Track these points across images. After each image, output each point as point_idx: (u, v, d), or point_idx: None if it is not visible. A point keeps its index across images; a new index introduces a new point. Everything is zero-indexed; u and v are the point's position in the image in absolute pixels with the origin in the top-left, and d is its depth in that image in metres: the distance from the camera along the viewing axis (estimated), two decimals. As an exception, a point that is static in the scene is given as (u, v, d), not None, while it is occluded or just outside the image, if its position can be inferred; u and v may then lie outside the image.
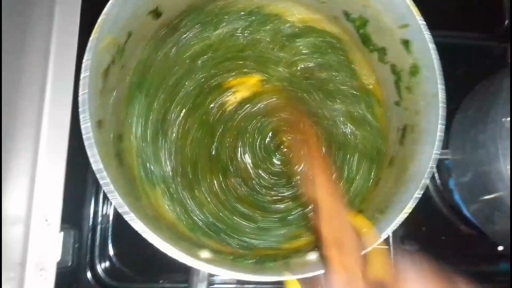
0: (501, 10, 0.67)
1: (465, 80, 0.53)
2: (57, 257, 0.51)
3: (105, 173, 0.39)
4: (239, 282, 0.57)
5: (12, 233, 0.49)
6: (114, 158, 0.47)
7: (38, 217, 0.51)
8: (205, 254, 0.47)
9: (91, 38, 0.42)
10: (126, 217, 0.39)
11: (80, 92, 0.40)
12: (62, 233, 0.52)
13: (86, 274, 0.56)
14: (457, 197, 0.56)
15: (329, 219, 0.38)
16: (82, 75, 0.40)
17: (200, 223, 0.52)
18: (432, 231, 0.58)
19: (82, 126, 0.39)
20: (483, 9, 0.66)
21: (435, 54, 0.43)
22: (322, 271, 0.41)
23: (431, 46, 0.43)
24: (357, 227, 0.37)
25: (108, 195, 0.39)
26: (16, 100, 0.51)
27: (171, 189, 0.52)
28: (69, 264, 0.53)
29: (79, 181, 0.57)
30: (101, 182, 0.39)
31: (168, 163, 0.53)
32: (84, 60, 0.41)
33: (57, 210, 0.51)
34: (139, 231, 0.39)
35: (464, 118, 0.53)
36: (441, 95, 0.42)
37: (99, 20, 0.42)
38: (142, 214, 0.45)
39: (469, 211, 0.54)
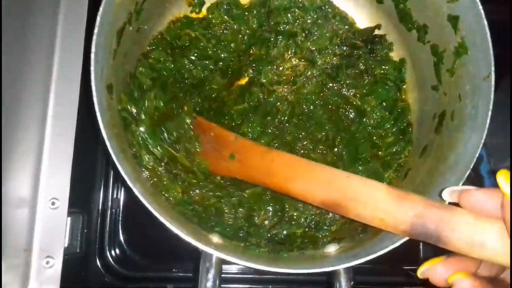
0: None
1: (505, 59, 0.48)
2: (65, 243, 0.48)
3: (109, 144, 0.35)
4: (252, 272, 0.53)
5: (17, 217, 0.46)
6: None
7: (44, 200, 0.48)
8: (215, 238, 0.43)
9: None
10: (135, 190, 0.35)
11: (93, 49, 0.36)
12: (69, 217, 0.49)
13: (95, 262, 0.52)
14: (489, 185, 0.52)
15: None
16: (96, 30, 0.36)
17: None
18: None
19: (93, 87, 0.35)
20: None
21: (488, 32, 0.38)
22: (340, 267, 0.37)
23: (485, 22, 0.38)
24: None
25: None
26: (22, 77, 0.48)
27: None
28: (77, 250, 0.50)
29: (88, 163, 0.54)
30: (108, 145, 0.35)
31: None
32: (98, 14, 0.37)
33: (65, 193, 0.48)
34: (148, 206, 0.35)
35: (506, 99, 0.48)
36: (493, 77, 0.38)
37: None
38: (150, 191, 0.41)
39: None
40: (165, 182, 0.45)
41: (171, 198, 0.45)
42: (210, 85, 0.51)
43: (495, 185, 0.55)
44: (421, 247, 0.56)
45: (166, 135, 0.46)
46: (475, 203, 0.28)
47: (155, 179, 0.44)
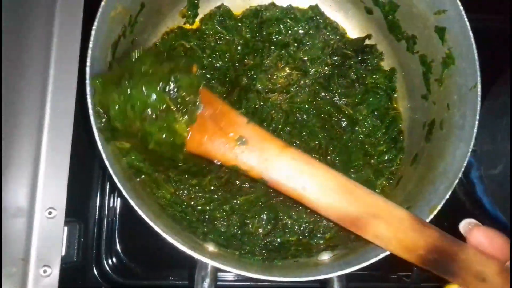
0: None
1: (492, 66, 0.49)
2: (62, 252, 0.48)
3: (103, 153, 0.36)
4: (247, 279, 0.54)
5: (14, 226, 0.46)
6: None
7: (41, 210, 0.48)
8: (211, 247, 0.44)
9: (101, 5, 0.39)
10: (132, 203, 0.35)
11: (88, 62, 0.37)
12: (66, 227, 0.49)
13: (92, 270, 0.53)
14: (479, 190, 0.53)
15: None
16: (90, 44, 0.37)
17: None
18: (455, 226, 0.55)
19: (88, 98, 0.36)
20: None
21: (474, 44, 0.40)
22: (333, 275, 0.37)
23: (471, 34, 0.40)
24: None
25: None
26: (18, 87, 0.48)
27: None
28: (74, 259, 0.50)
29: (84, 172, 0.54)
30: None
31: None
32: (93, 28, 0.38)
33: (62, 203, 0.48)
34: (145, 218, 0.35)
35: (494, 106, 0.49)
36: (479, 87, 0.39)
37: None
38: (147, 203, 0.41)
39: (497, 204, 0.51)
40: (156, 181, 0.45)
41: (162, 199, 0.45)
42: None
43: (485, 191, 0.56)
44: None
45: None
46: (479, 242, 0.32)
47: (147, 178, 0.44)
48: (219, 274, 0.52)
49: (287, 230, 0.49)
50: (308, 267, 0.42)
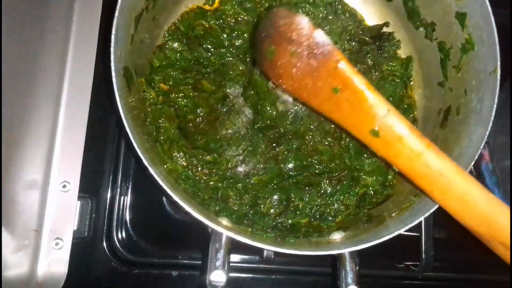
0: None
1: (508, 61, 0.49)
2: (74, 226, 0.49)
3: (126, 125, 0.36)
4: (257, 261, 0.54)
5: (28, 198, 0.47)
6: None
7: (56, 183, 0.49)
8: (225, 221, 0.44)
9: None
10: (152, 172, 0.36)
11: (113, 30, 0.37)
12: (79, 202, 0.50)
13: (102, 246, 0.53)
14: (490, 182, 0.53)
15: None
16: (116, 13, 0.38)
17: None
18: None
19: (112, 64, 0.37)
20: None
21: (495, 28, 0.40)
22: (345, 251, 0.38)
23: (492, 19, 0.40)
24: None
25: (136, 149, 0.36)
26: (37, 58, 0.49)
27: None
28: (85, 235, 0.51)
29: (98, 149, 0.54)
30: (129, 133, 0.36)
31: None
32: (119, -1, 0.38)
33: (76, 177, 0.49)
34: (164, 187, 0.36)
35: (509, 98, 0.49)
36: (499, 71, 0.39)
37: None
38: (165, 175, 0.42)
39: (507, 197, 0.51)
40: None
41: (174, 171, 0.46)
42: (234, 71, 0.52)
43: (495, 183, 0.56)
44: (422, 242, 0.56)
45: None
46: None
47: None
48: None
49: (298, 212, 0.49)
50: (320, 244, 0.43)
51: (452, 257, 0.59)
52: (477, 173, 0.57)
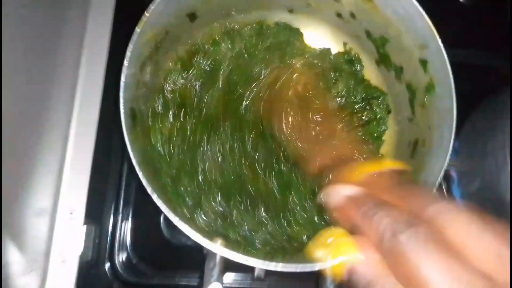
0: (506, 30, 0.71)
1: (473, 95, 0.56)
2: (80, 250, 0.53)
3: (132, 153, 0.42)
4: (252, 280, 0.58)
5: (38, 225, 0.51)
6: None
7: (63, 210, 0.53)
8: (220, 241, 0.48)
9: (136, 31, 0.46)
10: (153, 197, 0.41)
11: (122, 79, 0.43)
12: (85, 226, 0.54)
13: (105, 269, 0.57)
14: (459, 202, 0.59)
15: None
16: (125, 63, 0.44)
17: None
18: None
19: (121, 106, 0.42)
20: (489, 29, 0.70)
21: (451, 73, 0.46)
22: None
23: (448, 66, 0.47)
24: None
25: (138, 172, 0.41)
26: (47, 96, 0.53)
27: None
28: (89, 258, 0.55)
29: (102, 179, 0.59)
30: (134, 162, 0.41)
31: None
32: (128, 50, 0.45)
33: (82, 205, 0.54)
34: (162, 209, 0.41)
35: (473, 130, 0.56)
36: (455, 111, 0.45)
37: (145, 16, 0.46)
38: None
39: None
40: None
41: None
42: None
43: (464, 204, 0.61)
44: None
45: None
46: None
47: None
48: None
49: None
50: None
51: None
52: (450, 196, 0.63)
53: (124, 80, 0.43)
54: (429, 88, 0.50)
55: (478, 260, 0.19)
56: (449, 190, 0.63)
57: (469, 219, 0.21)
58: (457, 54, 0.49)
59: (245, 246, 0.49)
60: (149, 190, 0.41)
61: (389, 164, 0.31)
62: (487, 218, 0.21)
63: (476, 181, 0.54)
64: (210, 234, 0.49)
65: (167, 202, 0.47)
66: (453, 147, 0.44)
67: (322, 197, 0.28)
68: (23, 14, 0.47)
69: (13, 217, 0.47)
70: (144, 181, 0.41)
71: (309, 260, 0.48)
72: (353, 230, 0.25)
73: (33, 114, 0.52)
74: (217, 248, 0.41)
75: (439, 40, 0.48)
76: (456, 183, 0.59)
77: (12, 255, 0.46)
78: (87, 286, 0.54)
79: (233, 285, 0.58)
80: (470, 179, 0.56)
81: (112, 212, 0.59)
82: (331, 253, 0.24)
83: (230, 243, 0.49)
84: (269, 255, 0.48)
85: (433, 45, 0.49)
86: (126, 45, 0.45)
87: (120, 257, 0.58)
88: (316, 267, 0.42)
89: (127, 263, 0.58)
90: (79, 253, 0.53)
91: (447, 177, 0.60)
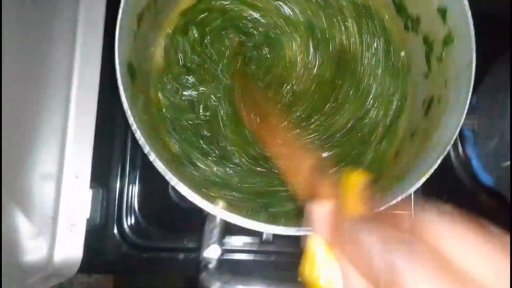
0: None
1: (494, 47, 0.51)
2: (87, 214, 0.53)
3: (132, 118, 0.40)
4: (260, 244, 0.58)
5: (44, 188, 0.51)
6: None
7: (69, 174, 0.53)
8: (221, 203, 0.48)
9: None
10: (150, 158, 0.39)
11: (117, 29, 0.41)
12: (91, 190, 0.54)
13: (114, 232, 0.57)
14: (475, 164, 0.56)
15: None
16: (119, 13, 0.41)
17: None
18: (453, 200, 0.58)
19: (116, 59, 0.40)
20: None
21: (472, 23, 0.42)
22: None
23: (469, 15, 0.42)
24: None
25: (136, 136, 0.40)
26: (46, 58, 0.52)
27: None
28: (97, 222, 0.55)
29: (107, 140, 0.59)
30: (131, 124, 0.40)
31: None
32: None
33: (87, 168, 0.53)
34: (162, 173, 0.39)
35: (492, 84, 0.52)
36: (474, 64, 0.41)
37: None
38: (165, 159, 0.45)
39: (492, 179, 0.54)
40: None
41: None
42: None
43: (481, 165, 0.58)
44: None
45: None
46: None
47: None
48: (228, 239, 0.57)
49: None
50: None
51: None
52: (465, 155, 0.60)
53: (119, 30, 0.41)
54: (447, 40, 0.46)
55: (477, 276, 0.17)
56: (463, 150, 0.60)
57: (463, 231, 0.18)
58: (478, 3, 0.44)
59: (248, 210, 0.49)
60: (145, 150, 0.40)
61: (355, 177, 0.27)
62: (479, 225, 0.19)
63: (494, 140, 0.51)
64: (211, 198, 0.48)
65: (168, 162, 0.46)
66: (470, 103, 0.41)
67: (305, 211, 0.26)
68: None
69: (18, 182, 0.47)
70: (140, 141, 0.40)
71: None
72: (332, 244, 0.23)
73: (34, 78, 0.51)
74: (216, 210, 0.40)
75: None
76: (472, 143, 0.56)
77: (20, 219, 0.46)
78: (95, 249, 0.55)
79: (242, 248, 0.58)
80: (486, 138, 0.53)
81: (118, 175, 0.59)
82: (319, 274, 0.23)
83: (232, 206, 0.48)
84: (272, 218, 0.47)
85: (453, -10, 0.44)
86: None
87: (128, 220, 0.58)
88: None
89: (136, 226, 0.58)
90: (87, 216, 0.54)
91: (461, 137, 0.57)
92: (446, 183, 0.59)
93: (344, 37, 0.56)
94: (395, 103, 0.55)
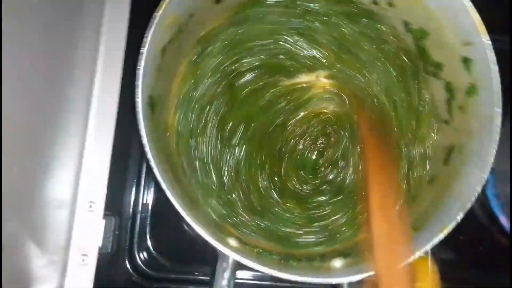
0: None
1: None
2: (99, 243, 0.52)
3: (148, 149, 0.40)
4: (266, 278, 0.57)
5: (57, 217, 0.51)
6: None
7: (83, 203, 0.52)
8: (233, 241, 0.47)
9: (156, 14, 0.43)
10: (167, 193, 0.39)
11: (141, 66, 0.41)
12: (104, 220, 0.53)
13: (124, 262, 0.57)
14: (495, 206, 0.55)
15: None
16: (142, 50, 0.41)
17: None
18: (470, 240, 0.58)
19: (137, 99, 0.40)
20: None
21: (497, 77, 0.42)
22: (345, 280, 0.41)
23: (494, 68, 0.42)
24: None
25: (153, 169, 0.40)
26: (65, 86, 0.52)
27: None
28: (109, 251, 0.55)
29: (121, 170, 0.59)
30: (148, 156, 0.40)
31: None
32: (146, 35, 0.42)
33: (101, 197, 0.53)
34: (177, 209, 0.39)
35: None
36: (498, 119, 0.41)
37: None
38: (180, 195, 0.45)
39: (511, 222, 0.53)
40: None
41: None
42: None
43: (499, 206, 0.57)
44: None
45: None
46: None
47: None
48: (238, 273, 0.56)
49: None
50: (321, 271, 0.46)
51: (460, 278, 0.60)
52: (484, 197, 0.59)
53: (142, 66, 0.41)
54: (471, 90, 0.46)
55: None
56: (483, 191, 0.59)
57: None
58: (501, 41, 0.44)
59: (257, 248, 0.48)
60: (164, 186, 0.40)
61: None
62: None
63: None
64: (222, 231, 0.48)
65: (182, 196, 0.46)
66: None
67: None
68: None
69: (32, 210, 0.47)
70: (158, 176, 0.40)
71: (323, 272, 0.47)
72: None
73: (51, 104, 0.50)
74: (230, 252, 0.40)
75: (485, 37, 0.43)
76: (492, 183, 0.55)
77: (32, 248, 0.46)
78: (106, 279, 0.54)
79: (250, 282, 0.57)
80: (506, 180, 0.51)
81: (131, 203, 0.59)
82: None
83: (243, 242, 0.48)
84: (283, 261, 0.46)
85: (478, 42, 0.44)
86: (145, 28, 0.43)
87: (140, 250, 0.57)
88: (332, 280, 0.40)
89: (147, 257, 0.57)
90: (99, 245, 0.53)
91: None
92: (463, 221, 0.57)
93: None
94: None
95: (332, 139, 0.58)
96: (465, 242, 0.57)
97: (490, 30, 0.42)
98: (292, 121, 0.58)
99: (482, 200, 0.59)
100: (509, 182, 0.54)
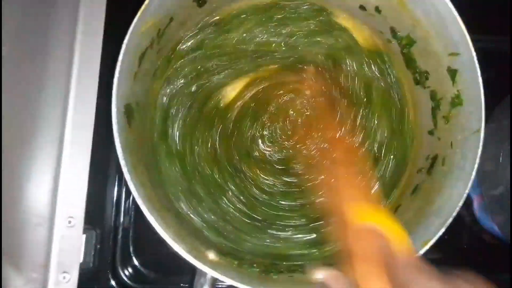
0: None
1: (496, 88, 0.49)
2: (80, 259, 0.50)
3: (124, 161, 0.39)
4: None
5: (35, 234, 0.48)
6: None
7: (61, 218, 0.50)
8: (211, 255, 0.46)
9: (134, 21, 0.41)
10: (142, 209, 0.38)
11: (116, 74, 0.39)
12: (84, 235, 0.51)
13: (107, 276, 0.55)
14: (476, 206, 0.55)
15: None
16: (120, 57, 0.40)
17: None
18: (455, 239, 0.58)
19: (113, 106, 0.39)
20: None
21: (482, 89, 0.41)
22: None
23: (480, 80, 0.41)
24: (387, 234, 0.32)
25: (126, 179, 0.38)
26: (40, 99, 0.50)
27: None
28: (91, 265, 0.53)
29: (101, 182, 0.57)
30: (123, 168, 0.38)
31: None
32: (124, 42, 0.40)
33: (81, 212, 0.50)
34: (155, 227, 0.38)
35: (498, 128, 0.50)
36: (482, 134, 0.41)
37: (145, 3, 0.41)
38: (156, 207, 0.44)
39: (495, 222, 0.53)
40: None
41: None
42: None
43: (484, 208, 0.57)
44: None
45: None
46: None
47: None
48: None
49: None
50: (302, 284, 0.45)
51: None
52: (468, 199, 0.59)
53: (118, 76, 0.39)
54: (456, 102, 0.45)
55: None
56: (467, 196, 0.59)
57: None
58: (482, 41, 0.44)
59: (238, 260, 0.47)
60: (139, 201, 0.38)
61: (390, 227, 0.30)
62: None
63: (500, 186, 0.49)
64: (202, 243, 0.47)
65: (160, 210, 0.45)
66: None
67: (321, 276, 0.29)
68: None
69: (7, 229, 0.45)
70: (131, 186, 0.38)
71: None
72: None
73: (27, 117, 0.49)
74: (207, 269, 0.38)
75: (472, 49, 0.42)
76: (475, 184, 0.54)
77: (9, 268, 0.44)
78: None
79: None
80: (493, 181, 0.51)
81: (113, 216, 0.57)
82: None
83: (223, 253, 0.46)
84: (264, 274, 0.45)
85: (465, 54, 0.43)
86: (123, 34, 0.41)
87: (123, 263, 0.56)
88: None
89: (131, 270, 0.56)
90: (80, 260, 0.51)
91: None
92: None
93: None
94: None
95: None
96: (450, 241, 0.57)
97: (490, 31, 0.41)
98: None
99: (466, 200, 0.59)
100: (493, 184, 0.54)
